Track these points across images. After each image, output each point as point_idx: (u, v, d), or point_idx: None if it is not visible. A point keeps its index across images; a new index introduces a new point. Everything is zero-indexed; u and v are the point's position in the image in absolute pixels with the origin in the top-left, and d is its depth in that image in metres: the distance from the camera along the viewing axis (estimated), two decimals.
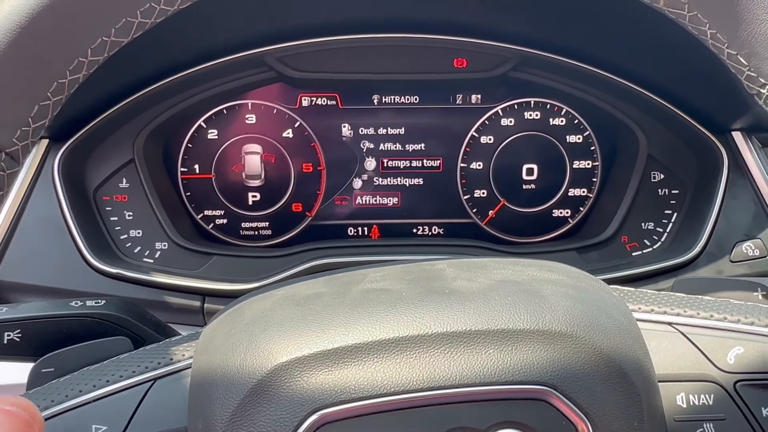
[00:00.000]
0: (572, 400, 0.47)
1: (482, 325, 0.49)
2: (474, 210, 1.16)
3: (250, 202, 1.14)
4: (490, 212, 1.16)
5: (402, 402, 0.46)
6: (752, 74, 0.57)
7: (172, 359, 0.54)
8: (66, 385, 0.52)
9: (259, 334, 0.49)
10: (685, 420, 0.53)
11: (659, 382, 0.52)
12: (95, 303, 0.69)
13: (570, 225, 1.17)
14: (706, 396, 0.53)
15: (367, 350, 0.47)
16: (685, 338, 0.56)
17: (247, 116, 1.12)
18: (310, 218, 1.15)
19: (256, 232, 1.15)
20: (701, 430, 0.52)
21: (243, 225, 1.14)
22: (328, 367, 0.46)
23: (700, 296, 0.61)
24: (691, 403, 0.53)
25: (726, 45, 0.57)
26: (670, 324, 0.57)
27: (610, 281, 0.60)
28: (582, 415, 0.47)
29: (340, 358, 0.47)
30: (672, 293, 0.61)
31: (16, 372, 0.71)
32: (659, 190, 1.10)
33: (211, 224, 1.14)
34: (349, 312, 0.50)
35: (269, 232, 1.15)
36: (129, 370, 0.53)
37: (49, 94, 0.48)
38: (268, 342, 0.48)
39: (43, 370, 0.58)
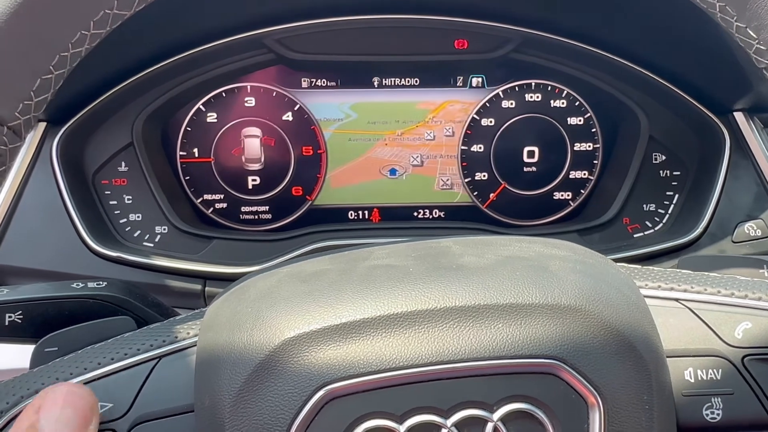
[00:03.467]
0: (582, 373, 0.47)
1: (490, 300, 0.48)
2: (475, 193, 1.15)
3: (250, 186, 1.13)
4: (491, 195, 1.15)
5: (410, 376, 0.46)
6: (761, 47, 0.57)
7: (177, 337, 0.53)
8: (70, 363, 0.52)
9: (265, 310, 0.48)
10: (693, 395, 0.53)
11: (667, 357, 0.51)
12: (97, 285, 0.69)
13: (571, 208, 1.16)
14: (714, 371, 0.53)
15: (374, 325, 0.47)
16: (693, 314, 0.56)
17: (246, 99, 1.11)
18: (311, 202, 1.14)
19: (256, 216, 1.14)
20: (709, 404, 0.52)
21: (243, 209, 1.14)
22: (335, 342, 0.46)
23: (706, 273, 0.61)
24: (699, 378, 0.53)
25: (735, 18, 0.56)
26: (677, 300, 0.57)
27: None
28: (592, 389, 0.47)
29: (348, 333, 0.46)
30: (678, 270, 0.61)
31: (18, 356, 0.71)
32: (661, 172, 1.10)
33: (211, 208, 1.13)
34: (356, 287, 0.49)
35: (269, 216, 1.14)
36: (134, 348, 0.52)
37: (51, 67, 0.48)
38: (275, 317, 0.47)
39: (46, 350, 0.58)
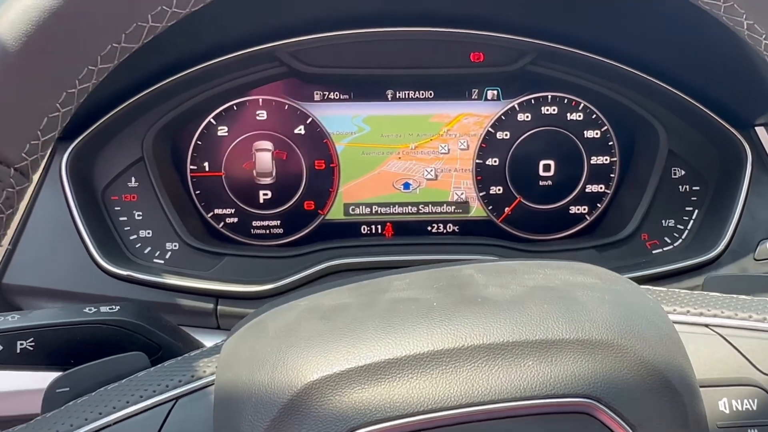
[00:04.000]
0: (617, 412, 0.45)
1: (519, 336, 0.46)
2: (490, 207, 1.14)
3: (261, 201, 1.11)
4: (506, 209, 1.14)
5: (440, 420, 0.44)
6: None
7: (193, 376, 0.52)
8: (85, 407, 0.50)
9: (286, 350, 0.47)
10: (728, 426, 0.51)
11: (700, 387, 0.50)
12: (109, 309, 0.67)
13: (587, 222, 1.15)
14: (750, 401, 0.52)
15: (401, 366, 0.45)
16: (725, 341, 0.54)
17: (257, 112, 1.09)
18: (323, 216, 1.12)
19: (268, 231, 1.12)
20: None
21: (254, 224, 1.12)
22: (361, 384, 0.44)
23: (735, 296, 0.59)
24: (734, 409, 0.51)
25: (764, 36, 0.55)
26: (707, 326, 0.55)
27: (632, 280, 0.59)
28: (627, 428, 0.45)
29: (374, 374, 0.44)
30: (706, 293, 0.59)
31: (28, 379, 0.70)
32: (680, 187, 1.08)
33: (222, 223, 1.11)
34: (379, 324, 0.47)
35: (281, 230, 1.12)
36: (150, 389, 0.51)
37: (58, 105, 0.46)
38: (297, 358, 0.46)
39: (57, 390, 0.56)
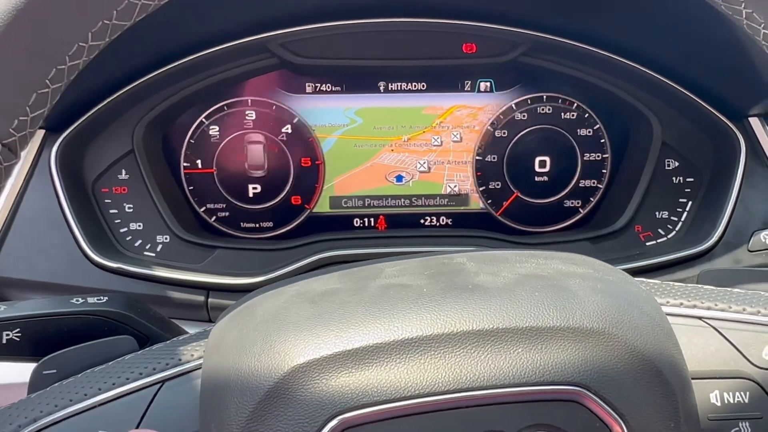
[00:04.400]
0: (606, 400, 0.45)
1: (510, 323, 0.46)
2: (489, 201, 1.14)
3: (251, 195, 1.11)
4: (504, 203, 1.14)
5: (427, 405, 0.43)
6: None
7: (180, 359, 0.51)
8: (70, 389, 0.50)
9: (273, 334, 0.46)
10: (720, 419, 0.51)
11: (692, 379, 0.49)
12: (97, 300, 0.67)
13: (581, 215, 1.15)
14: (742, 394, 0.51)
15: (389, 350, 0.44)
16: (718, 333, 0.54)
17: (247, 112, 1.09)
18: (309, 210, 1.12)
19: (258, 224, 1.12)
20: (737, 429, 0.50)
21: (244, 218, 1.11)
22: (348, 368, 0.44)
23: (729, 289, 0.59)
24: (726, 401, 0.51)
25: (762, 25, 0.54)
26: (700, 318, 0.55)
27: (626, 272, 0.58)
28: (617, 417, 0.45)
29: (361, 359, 0.44)
30: (700, 286, 0.59)
31: (14, 371, 0.69)
32: (674, 178, 1.08)
33: (213, 217, 1.11)
34: (368, 309, 0.47)
35: (270, 224, 1.12)
36: (136, 371, 0.50)
37: (47, 81, 0.45)
38: (284, 342, 0.45)
39: (44, 372, 0.55)
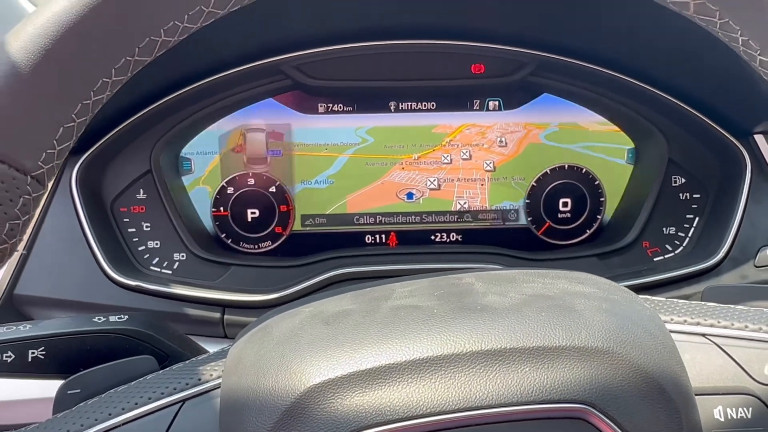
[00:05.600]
0: (611, 418, 0.46)
1: (517, 343, 0.48)
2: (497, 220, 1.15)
3: (249, 219, 1.12)
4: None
5: (438, 423, 0.45)
6: (765, 58, 0.56)
7: (200, 379, 0.53)
8: (95, 408, 0.52)
9: (290, 355, 0.48)
10: None
11: (696, 395, 0.51)
12: (118, 318, 0.69)
13: (589, 233, 1.15)
14: (744, 409, 0.52)
15: (401, 371, 0.46)
16: (720, 350, 0.55)
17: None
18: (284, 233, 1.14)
19: (256, 245, 1.13)
20: None
21: (244, 237, 1.13)
22: (362, 388, 0.45)
23: (732, 306, 0.60)
24: (729, 417, 0.52)
25: (758, 52, 0.56)
26: (703, 335, 0.56)
27: (633, 288, 0.60)
28: None
29: (375, 379, 0.46)
30: (703, 303, 0.60)
31: (37, 387, 0.71)
32: (680, 195, 1.09)
33: (225, 233, 1.13)
34: (380, 330, 0.49)
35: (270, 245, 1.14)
36: (157, 391, 0.52)
37: (73, 115, 0.47)
38: (300, 362, 0.47)
39: (69, 392, 0.58)
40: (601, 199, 1.14)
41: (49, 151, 0.47)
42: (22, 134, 0.46)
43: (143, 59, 0.50)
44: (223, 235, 1.12)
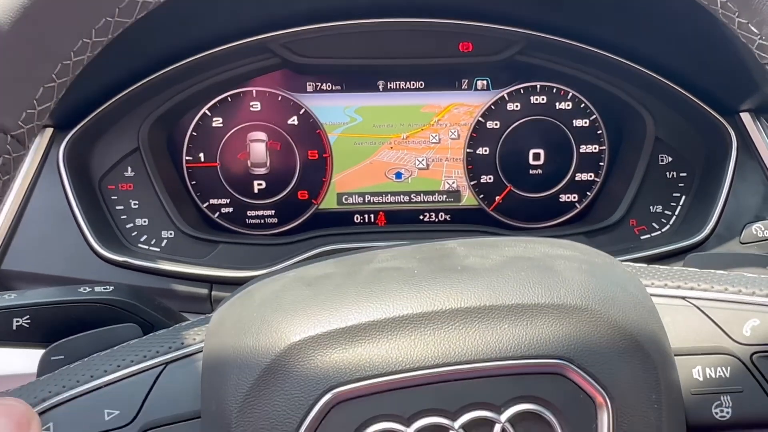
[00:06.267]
0: (589, 373, 0.47)
1: (496, 300, 0.48)
2: (480, 195, 1.15)
3: (256, 191, 1.13)
4: (497, 198, 1.15)
5: (417, 378, 0.45)
6: (764, 42, 0.56)
7: (183, 343, 0.53)
8: (77, 371, 0.52)
9: (270, 315, 0.48)
10: (702, 393, 0.52)
11: (675, 356, 0.51)
12: (104, 289, 0.69)
13: (577, 210, 1.16)
14: (723, 369, 0.53)
15: (380, 328, 0.47)
16: (700, 312, 0.55)
17: (251, 104, 1.11)
18: (317, 206, 1.14)
19: (262, 221, 1.14)
20: (719, 402, 0.52)
21: (249, 213, 1.14)
22: (341, 345, 0.46)
23: (713, 270, 0.60)
24: (708, 376, 0.53)
25: (737, 14, 0.56)
26: (683, 298, 0.56)
27: None
28: (599, 389, 0.47)
29: (354, 336, 0.46)
30: (684, 268, 0.61)
31: (26, 361, 0.71)
32: (667, 173, 1.10)
33: (217, 213, 1.13)
34: (361, 290, 0.49)
35: (275, 220, 1.14)
36: (140, 354, 0.52)
37: (53, 75, 0.47)
38: (281, 322, 0.47)
39: (52, 358, 0.58)
40: (588, 174, 1.15)
41: (29, 111, 0.47)
42: (2, 93, 0.46)
43: (123, 20, 0.50)
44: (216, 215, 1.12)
